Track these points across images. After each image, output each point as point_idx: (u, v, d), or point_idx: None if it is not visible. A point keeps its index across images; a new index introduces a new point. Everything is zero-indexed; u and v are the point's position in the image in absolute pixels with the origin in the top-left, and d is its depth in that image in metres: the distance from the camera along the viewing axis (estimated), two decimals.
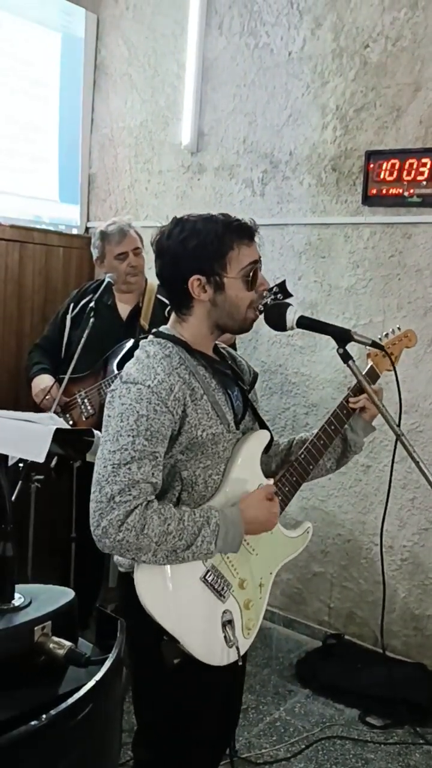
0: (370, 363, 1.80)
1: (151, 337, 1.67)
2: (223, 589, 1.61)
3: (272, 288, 2.16)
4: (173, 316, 1.68)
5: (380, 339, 1.80)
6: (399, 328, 1.86)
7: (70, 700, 0.84)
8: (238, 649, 1.61)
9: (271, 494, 1.66)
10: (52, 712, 0.81)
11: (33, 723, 0.78)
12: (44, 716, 0.80)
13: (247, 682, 2.31)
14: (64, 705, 0.82)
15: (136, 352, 1.62)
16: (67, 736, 0.85)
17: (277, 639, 3.32)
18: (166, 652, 1.54)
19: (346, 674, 2.92)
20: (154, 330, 1.69)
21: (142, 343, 1.66)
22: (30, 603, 1.05)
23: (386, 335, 1.83)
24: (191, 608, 1.56)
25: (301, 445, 1.87)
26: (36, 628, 1.00)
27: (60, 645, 1.00)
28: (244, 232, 1.61)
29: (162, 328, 1.69)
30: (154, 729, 1.71)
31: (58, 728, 0.83)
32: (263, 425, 1.78)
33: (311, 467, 1.76)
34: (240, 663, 1.63)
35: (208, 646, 1.58)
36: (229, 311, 1.62)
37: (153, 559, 1.47)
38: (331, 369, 3.24)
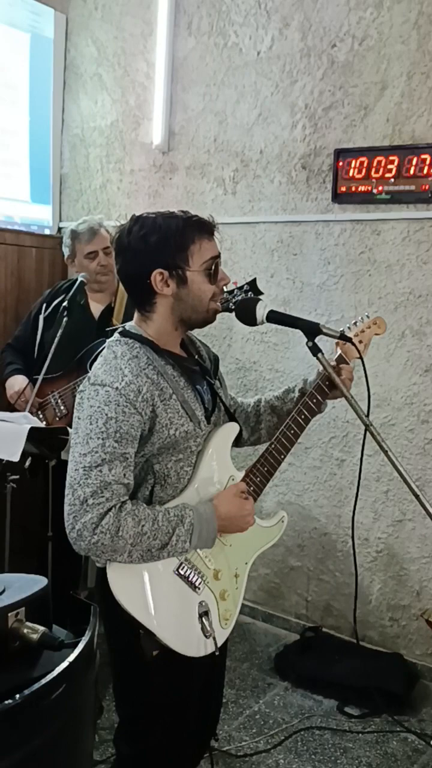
0: (339, 351, 1.83)
1: (117, 335, 1.66)
2: (197, 581, 1.63)
3: (243, 286, 2.17)
4: (137, 314, 1.68)
5: (349, 327, 1.82)
6: (368, 316, 1.89)
7: (45, 680, 0.85)
8: (215, 639, 1.63)
9: (243, 491, 1.68)
10: (27, 691, 0.82)
11: (8, 702, 0.80)
12: (18, 696, 0.81)
13: (226, 676, 2.32)
14: (38, 684, 0.84)
15: (104, 352, 1.62)
16: (42, 715, 0.86)
17: (256, 633, 3.35)
18: (144, 644, 1.55)
19: (324, 666, 2.95)
20: (120, 328, 1.68)
21: (109, 342, 1.65)
22: (4, 590, 1.06)
23: (355, 323, 1.86)
24: (166, 601, 1.57)
25: (270, 413, 1.89)
26: (10, 614, 1.01)
27: (34, 630, 1.01)
28: (204, 227, 1.63)
29: (128, 327, 1.68)
30: (135, 723, 1.71)
31: (33, 707, 0.84)
32: (231, 417, 1.80)
33: (282, 457, 1.77)
34: (217, 653, 1.65)
35: (185, 638, 1.60)
36: (192, 305, 1.63)
37: (128, 559, 1.49)
38: (305, 365, 3.27)
